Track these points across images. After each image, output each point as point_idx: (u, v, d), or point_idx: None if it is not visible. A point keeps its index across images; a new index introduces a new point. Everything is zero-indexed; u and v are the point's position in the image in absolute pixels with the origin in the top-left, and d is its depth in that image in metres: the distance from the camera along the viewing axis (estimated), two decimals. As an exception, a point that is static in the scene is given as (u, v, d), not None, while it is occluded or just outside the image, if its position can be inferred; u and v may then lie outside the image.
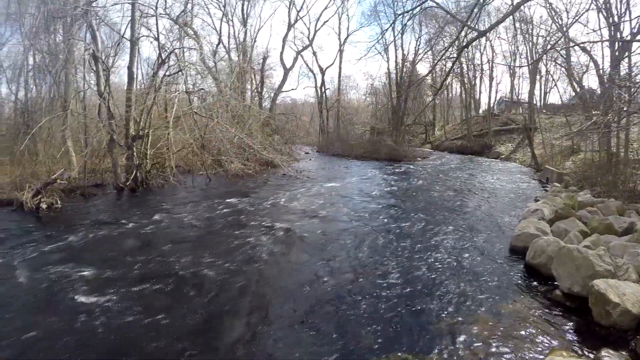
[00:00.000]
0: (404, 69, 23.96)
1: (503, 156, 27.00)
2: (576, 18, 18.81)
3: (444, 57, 23.18)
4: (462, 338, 4.42)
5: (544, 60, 26.18)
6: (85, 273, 6.95)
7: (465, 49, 24.55)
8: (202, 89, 15.32)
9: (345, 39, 33.71)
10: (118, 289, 6.16)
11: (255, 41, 24.21)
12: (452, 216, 10.53)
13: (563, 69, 23.00)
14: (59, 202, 12.78)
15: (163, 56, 15.38)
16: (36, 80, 18.63)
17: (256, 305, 5.51)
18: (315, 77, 27.91)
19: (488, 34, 23.28)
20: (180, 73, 15.36)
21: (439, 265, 6.79)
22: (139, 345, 4.53)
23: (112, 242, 9.06)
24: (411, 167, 20.10)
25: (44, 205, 12.38)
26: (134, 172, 14.29)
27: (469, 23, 10.06)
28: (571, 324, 4.79)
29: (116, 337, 4.74)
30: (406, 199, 12.90)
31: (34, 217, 11.83)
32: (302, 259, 7.37)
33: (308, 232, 9.03)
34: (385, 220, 10.24)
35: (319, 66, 28.49)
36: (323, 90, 27.41)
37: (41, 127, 14.82)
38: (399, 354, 4.08)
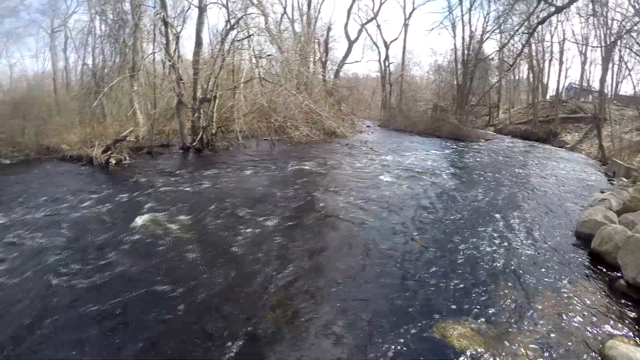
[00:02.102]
0: (471, 47, 22.75)
1: (568, 145, 25.10)
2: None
3: (517, 32, 21.75)
4: (528, 313, 4.42)
5: (618, 47, 23.86)
6: (161, 218, 7.33)
7: (539, 26, 22.90)
8: (270, 54, 15.00)
9: (411, 12, 32.22)
10: (179, 233, 6.52)
11: (319, 12, 23.91)
12: (518, 198, 9.92)
13: (638, 57, 20.88)
14: (127, 158, 13.05)
15: (232, 22, 15.23)
16: (103, 46, 19.22)
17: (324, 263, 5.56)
18: (379, 51, 27.33)
19: (564, 10, 21.53)
20: (248, 39, 15.12)
21: (505, 243, 6.62)
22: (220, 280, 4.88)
23: (179, 195, 9.29)
24: (475, 147, 19.09)
25: (113, 161, 12.76)
26: (201, 133, 14.34)
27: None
28: (634, 314, 4.57)
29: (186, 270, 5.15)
30: (472, 177, 12.16)
31: (104, 171, 12.31)
32: (370, 224, 7.16)
33: (372, 200, 8.75)
34: (451, 194, 9.76)
35: (383, 40, 27.54)
36: (387, 64, 26.77)
37: (111, 89, 15.12)
38: (467, 321, 4.16)
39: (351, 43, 24.54)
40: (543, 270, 5.58)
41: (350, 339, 3.82)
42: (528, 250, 6.34)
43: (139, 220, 7.23)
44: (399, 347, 3.68)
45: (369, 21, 25.76)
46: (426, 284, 4.95)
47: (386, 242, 6.30)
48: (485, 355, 3.61)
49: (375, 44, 28.10)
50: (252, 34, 15.10)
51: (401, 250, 6.02)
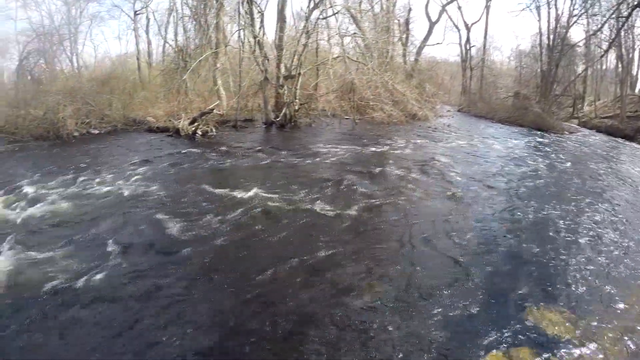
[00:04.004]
0: (557, 32, 21.20)
1: (659, 146, 22.84)
2: None
3: (612, 16, 20.04)
4: (620, 306, 4.09)
5: None
6: (251, 187, 7.41)
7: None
8: (355, 32, 14.71)
9: (494, -8, 30.39)
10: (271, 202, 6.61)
11: (399, -8, 23.15)
12: (611, 193, 8.86)
13: None
14: (213, 130, 13.33)
15: (316, 0, 15.08)
16: (185, 25, 19.80)
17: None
18: (459, 33, 26.03)
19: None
20: (335, 16, 14.93)
21: (599, 236, 5.99)
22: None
23: (264, 166, 9.51)
24: (560, 138, 17.78)
25: (199, 132, 13.09)
26: (284, 109, 14.33)
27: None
28: None
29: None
30: (561, 168, 11.14)
31: (192, 141, 12.63)
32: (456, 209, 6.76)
33: (460, 184, 8.31)
34: (541, 183, 9.02)
35: (464, 22, 26.15)
36: (468, 47, 25.59)
37: (200, 64, 15.47)
38: (559, 308, 3.95)
39: (432, 24, 23.95)
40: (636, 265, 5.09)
41: (441, 316, 3.74)
42: (622, 243, 5.79)
43: (230, 184, 7.64)
44: (492, 328, 3.59)
45: (449, 2, 24.70)
46: (516, 269, 4.76)
47: (476, 226, 6.02)
48: (575, 344, 3.45)
49: (456, 26, 26.62)
50: (338, 12, 14.89)
51: (490, 235, 5.73)
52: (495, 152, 12.31)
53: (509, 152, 12.48)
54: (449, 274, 4.48)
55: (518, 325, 3.61)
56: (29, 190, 7.22)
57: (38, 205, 6.48)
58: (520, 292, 4.18)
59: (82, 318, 3.60)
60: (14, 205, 6.56)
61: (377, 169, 9.13)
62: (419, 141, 12.87)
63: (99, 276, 4.22)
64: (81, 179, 8.03)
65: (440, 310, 3.80)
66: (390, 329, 3.54)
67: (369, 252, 4.97)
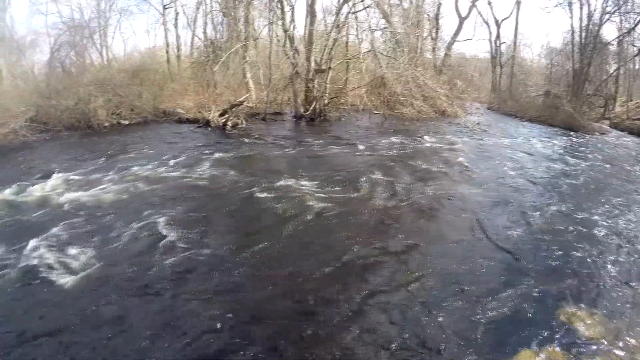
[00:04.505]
0: (589, 29, 20.62)
1: (693, 151, 22.08)
2: None
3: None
4: None
5: None
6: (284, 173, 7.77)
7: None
8: (385, 27, 14.61)
9: (523, -12, 29.68)
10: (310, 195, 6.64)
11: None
12: None
13: None
14: (243, 122, 13.42)
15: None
16: (214, 18, 20.00)
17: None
18: (489, 29, 25.50)
19: None
20: (365, 10, 14.89)
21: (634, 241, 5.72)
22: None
23: (295, 156, 9.70)
24: (591, 139, 17.34)
25: (229, 124, 13.19)
26: (314, 103, 14.34)
27: None
28: None
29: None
30: (596, 170, 10.68)
31: (222, 132, 12.71)
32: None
33: (494, 183, 8.17)
34: (575, 183, 8.78)
35: (495, 18, 25.59)
36: (498, 44, 25.12)
37: (229, 57, 15.58)
38: (591, 310, 3.87)
39: (462, 20, 23.53)
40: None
41: (474, 312, 3.73)
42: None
43: (268, 173, 7.83)
44: (525, 325, 3.59)
45: (479, -3, 24.30)
46: (550, 268, 4.70)
47: (508, 225, 5.89)
48: (606, 346, 3.41)
49: (486, 22, 26.12)
50: (368, 6, 14.83)
51: (522, 234, 5.60)
52: (528, 151, 12.07)
53: (542, 152, 12.26)
54: (485, 271, 4.47)
55: (550, 324, 3.60)
56: (70, 176, 7.43)
57: (81, 191, 6.66)
58: (553, 291, 4.15)
59: (131, 307, 3.66)
60: (55, 190, 6.72)
61: (412, 164, 9.09)
62: (450, 138, 12.72)
63: (135, 264, 4.32)
64: (119, 165, 8.26)
65: (474, 306, 3.80)
66: (423, 323, 3.55)
67: (405, 247, 4.97)
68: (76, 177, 7.37)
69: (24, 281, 3.96)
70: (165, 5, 21.76)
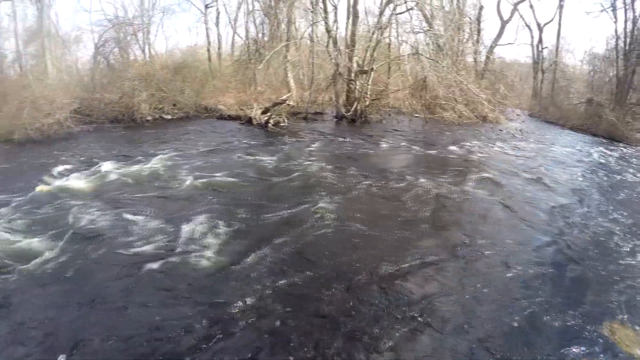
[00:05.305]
0: (634, 35, 19.95)
1: None
2: None
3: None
4: None
5: None
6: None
7: None
8: (429, 29, 14.60)
9: (566, -9, 28.71)
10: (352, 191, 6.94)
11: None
12: None
13: None
14: (285, 121, 13.63)
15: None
16: (255, 18, 20.36)
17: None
18: (531, 34, 24.91)
19: None
20: (408, 12, 14.91)
21: None
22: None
23: (337, 155, 9.87)
24: (636, 152, 16.74)
25: (271, 122, 13.42)
26: (355, 104, 14.46)
27: None
28: None
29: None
30: None
31: (264, 130, 12.90)
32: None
33: (539, 191, 8.04)
34: (621, 196, 8.51)
35: (537, 21, 24.88)
36: (540, 48, 24.50)
37: (274, 55, 15.86)
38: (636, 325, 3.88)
39: (503, 23, 23.33)
40: None
41: (518, 320, 3.76)
42: None
43: (318, 170, 8.10)
44: (567, 337, 3.61)
45: (521, 1, 23.86)
46: (595, 282, 4.63)
47: (557, 235, 5.81)
48: None
49: (527, 26, 25.39)
50: (411, 8, 14.85)
51: (573, 246, 5.53)
52: (572, 160, 11.83)
53: (586, 161, 12.03)
54: (528, 281, 4.44)
55: (593, 338, 3.60)
56: (118, 166, 7.86)
57: (128, 179, 7.05)
58: (598, 305, 4.12)
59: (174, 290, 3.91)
60: (102, 179, 7.07)
61: (454, 169, 9.01)
62: (494, 144, 12.59)
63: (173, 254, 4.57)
64: (164, 156, 8.65)
65: (517, 314, 3.82)
66: (468, 331, 3.58)
67: (447, 251, 5.00)
68: (124, 166, 7.86)
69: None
70: (207, 5, 22.31)
